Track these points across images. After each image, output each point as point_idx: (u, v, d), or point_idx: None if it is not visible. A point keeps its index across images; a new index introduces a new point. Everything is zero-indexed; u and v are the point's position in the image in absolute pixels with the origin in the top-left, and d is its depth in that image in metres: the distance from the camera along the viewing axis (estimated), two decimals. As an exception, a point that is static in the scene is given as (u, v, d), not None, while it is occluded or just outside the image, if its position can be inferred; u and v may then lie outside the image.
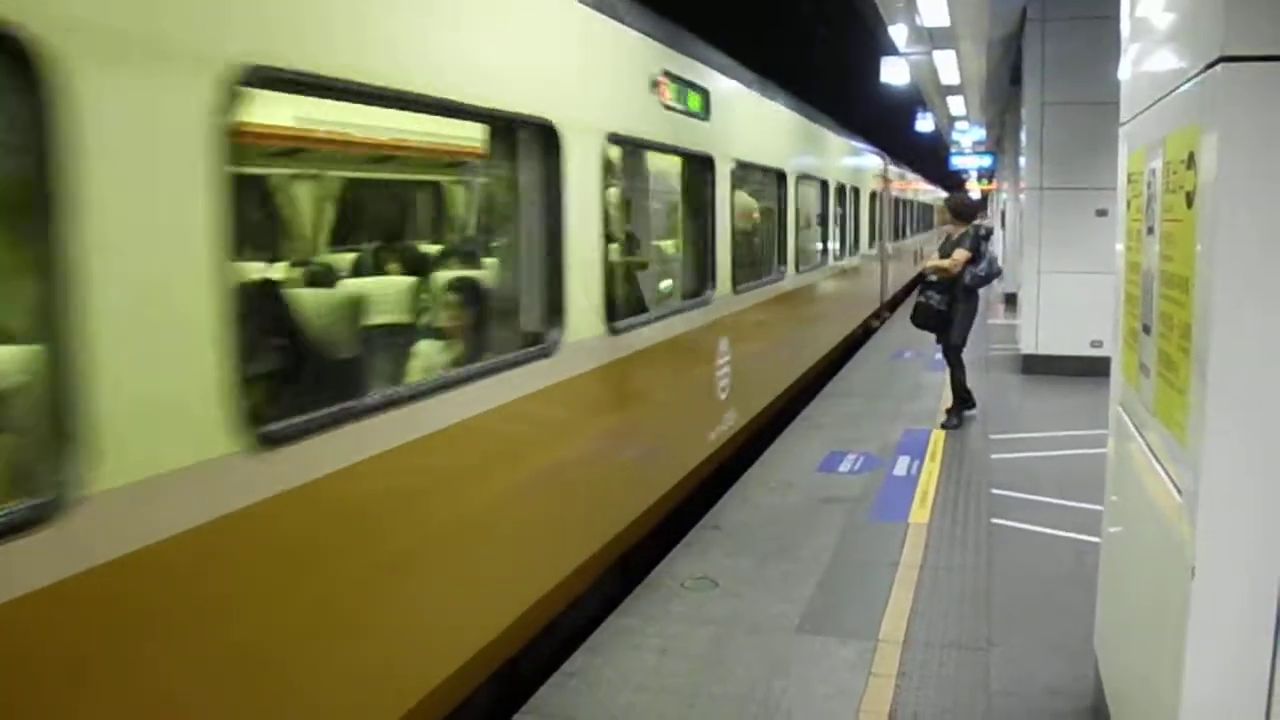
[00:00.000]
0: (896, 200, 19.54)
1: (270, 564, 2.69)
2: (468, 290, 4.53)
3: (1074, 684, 3.87)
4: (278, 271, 5.83)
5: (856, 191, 13.39)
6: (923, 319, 8.49)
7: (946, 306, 8.26)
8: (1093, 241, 9.68)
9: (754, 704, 3.83)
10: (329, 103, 4.45)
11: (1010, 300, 16.83)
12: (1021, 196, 13.15)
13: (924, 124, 28.95)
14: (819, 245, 11.06)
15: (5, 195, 2.19)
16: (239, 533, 2.53)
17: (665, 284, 6.83)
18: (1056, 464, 7.18)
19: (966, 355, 8.63)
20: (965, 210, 8.83)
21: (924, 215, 27.04)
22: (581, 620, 4.74)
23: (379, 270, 6.44)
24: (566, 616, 4.53)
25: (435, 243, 7.75)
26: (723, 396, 6.81)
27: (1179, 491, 2.36)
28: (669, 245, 7.18)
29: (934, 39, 13.21)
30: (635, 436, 5.30)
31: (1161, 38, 2.84)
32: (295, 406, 2.87)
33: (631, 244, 6.44)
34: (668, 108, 5.65)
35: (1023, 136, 11.87)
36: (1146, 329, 2.80)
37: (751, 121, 7.85)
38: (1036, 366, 10.90)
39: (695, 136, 6.24)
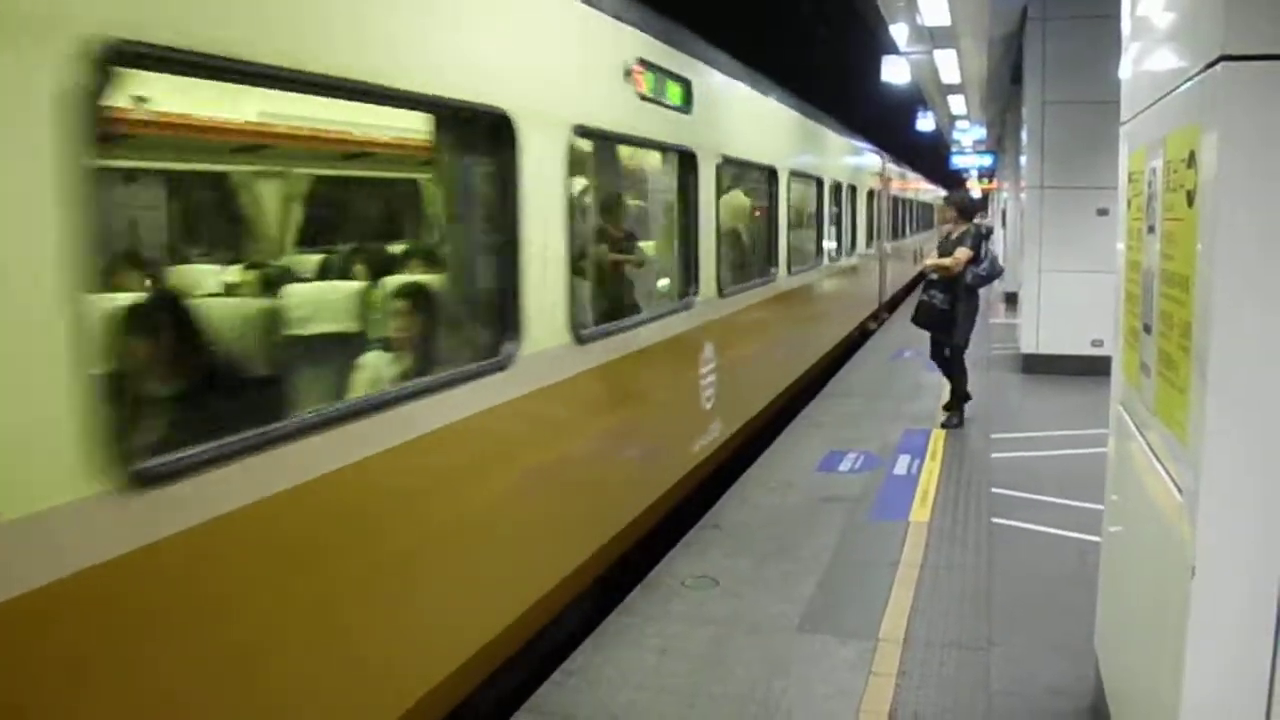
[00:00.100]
0: (895, 199, 19.37)
1: (142, 627, 2.26)
2: (412, 299, 4.09)
3: (1074, 683, 3.87)
4: (180, 279, 5.28)
5: (853, 190, 13.12)
6: (925, 319, 8.45)
7: (949, 306, 8.21)
8: (1093, 240, 9.69)
9: (754, 703, 3.83)
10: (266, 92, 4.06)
11: (1011, 299, 16.83)
12: (1022, 195, 13.14)
13: (925, 123, 28.93)
14: (813, 245, 10.73)
15: None
16: (100, 589, 2.14)
17: (642, 288, 6.42)
18: (1057, 463, 7.18)
19: (967, 355, 8.61)
20: (970, 207, 8.82)
21: (924, 215, 26.96)
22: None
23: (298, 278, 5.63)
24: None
25: (374, 246, 6.94)
26: (707, 406, 6.49)
27: (1179, 491, 2.36)
28: (648, 247, 6.72)
29: (935, 38, 13.21)
30: (606, 454, 4.97)
31: (1162, 37, 2.84)
32: (184, 438, 2.48)
33: (603, 246, 6.00)
34: (644, 99, 5.28)
35: (1023, 135, 11.86)
36: (1147, 328, 2.80)
37: (739, 116, 7.52)
38: (1037, 366, 10.90)
39: (675, 130, 5.89)
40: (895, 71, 18.07)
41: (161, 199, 6.39)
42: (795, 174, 9.24)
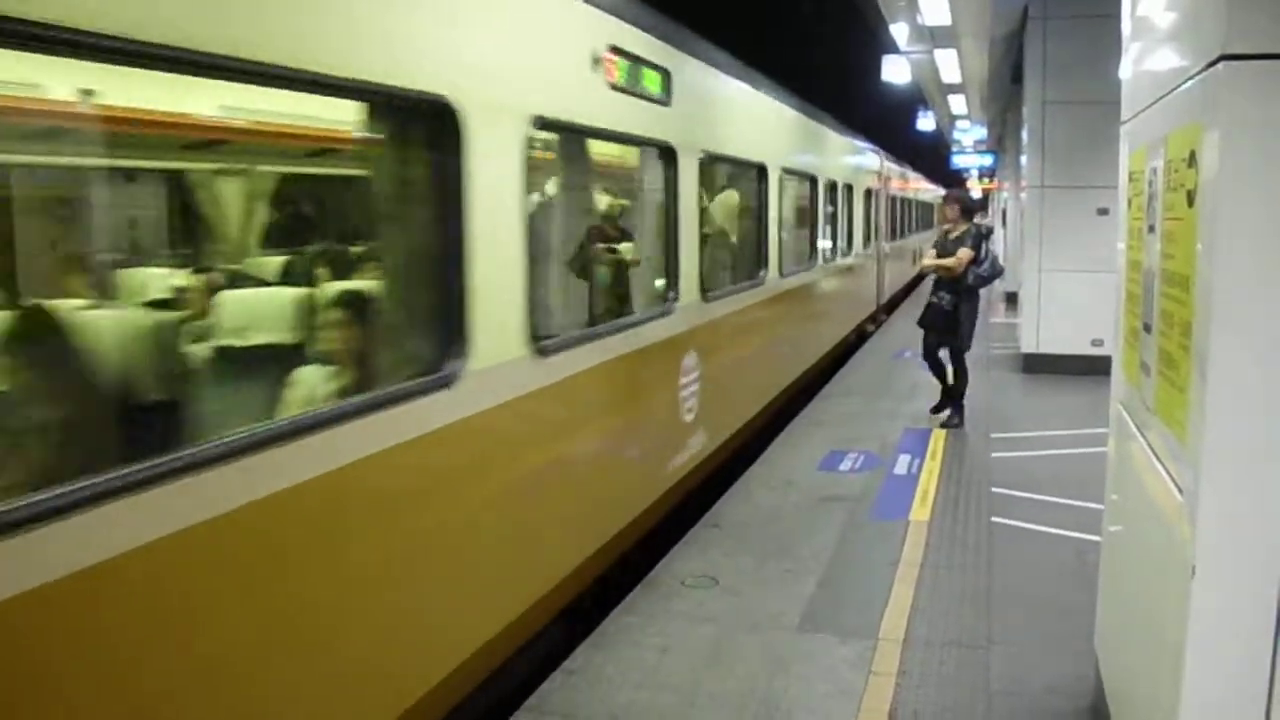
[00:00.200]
0: (894, 199, 19.20)
1: None
2: (345, 308, 3.75)
3: (1074, 683, 3.87)
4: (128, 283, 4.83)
5: (850, 189, 12.83)
6: (933, 320, 8.34)
7: (954, 307, 8.17)
8: (1094, 240, 9.69)
9: (754, 702, 3.83)
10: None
11: (1011, 299, 16.84)
12: (1023, 195, 13.15)
13: (925, 123, 28.95)
14: (807, 246, 10.40)
15: None
16: None
17: (616, 293, 6.02)
18: (1057, 463, 7.18)
19: (967, 355, 8.59)
20: (971, 206, 8.79)
21: (923, 215, 26.92)
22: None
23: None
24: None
25: (295, 248, 6.35)
26: (688, 418, 6.07)
27: (1179, 490, 2.36)
28: (624, 249, 6.21)
29: (935, 37, 13.21)
30: (568, 478, 4.52)
31: (1163, 36, 2.84)
32: (35, 478, 2.15)
33: (570, 249, 5.58)
34: (616, 89, 4.87)
35: (1024, 135, 11.87)
36: (1147, 327, 2.80)
37: (724, 109, 7.12)
38: (1037, 365, 10.90)
39: (652, 123, 5.48)
40: (896, 71, 18.07)
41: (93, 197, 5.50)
42: (787, 172, 8.95)
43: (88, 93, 4.24)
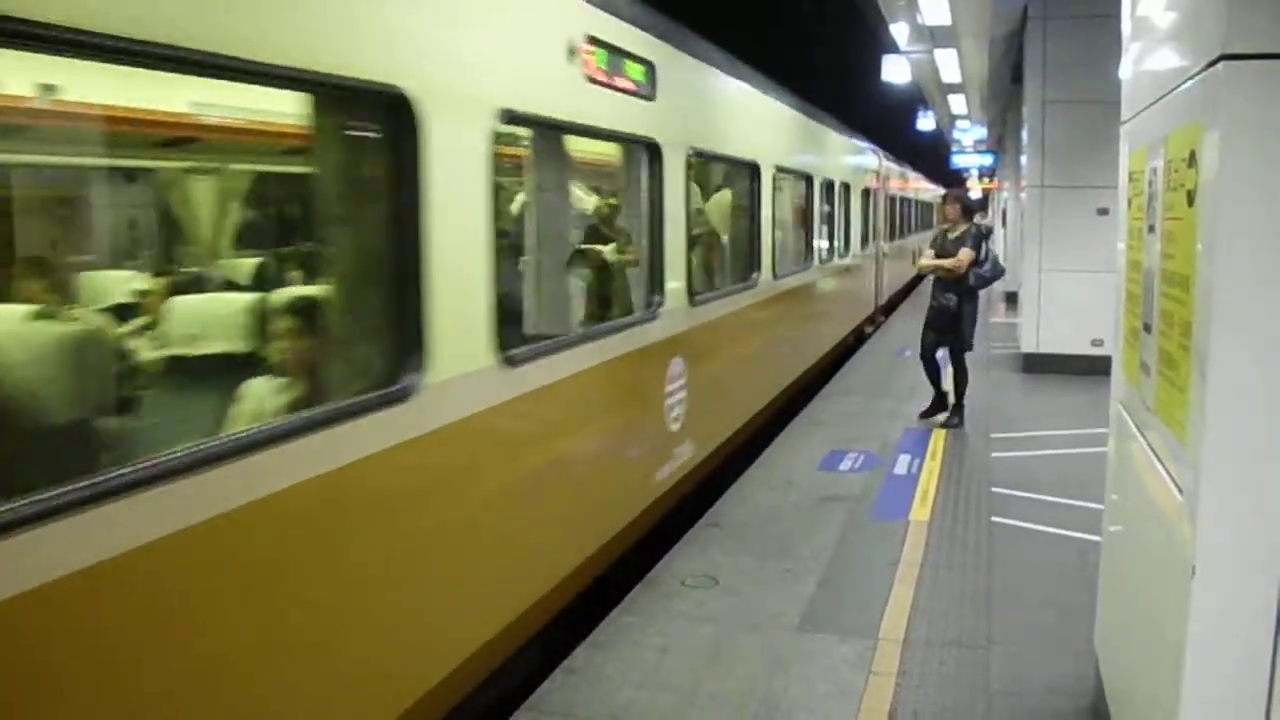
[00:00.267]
0: (893, 198, 19.03)
1: None
2: (293, 316, 3.51)
3: (1074, 683, 3.87)
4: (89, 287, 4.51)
5: (847, 188, 12.60)
6: (936, 321, 8.27)
7: (958, 308, 8.14)
8: (1094, 240, 9.70)
9: (754, 702, 3.83)
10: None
11: (1011, 299, 16.84)
12: (1023, 195, 13.15)
13: (925, 122, 28.98)
14: (802, 247, 10.17)
15: None
16: None
17: (596, 298, 5.74)
18: (1057, 463, 7.18)
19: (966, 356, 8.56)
20: (972, 205, 8.77)
21: (923, 215, 26.89)
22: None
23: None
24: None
25: (237, 251, 5.97)
26: (675, 427, 5.82)
27: (1179, 490, 2.36)
28: (606, 250, 5.94)
29: (935, 37, 13.22)
30: (540, 496, 4.23)
31: (1163, 36, 2.84)
32: None
33: (545, 251, 5.24)
34: (594, 82, 4.63)
35: (1024, 135, 11.87)
36: (1147, 327, 2.80)
37: (714, 105, 6.85)
38: (1037, 365, 10.91)
39: (635, 119, 5.21)
40: (896, 71, 18.07)
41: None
42: (782, 170, 8.69)
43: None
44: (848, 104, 19.45)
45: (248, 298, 3.98)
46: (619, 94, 4.95)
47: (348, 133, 3.22)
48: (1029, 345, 11.16)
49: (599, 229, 5.96)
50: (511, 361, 3.85)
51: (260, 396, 3.28)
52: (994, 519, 5.98)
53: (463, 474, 3.60)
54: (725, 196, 8.14)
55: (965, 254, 8.04)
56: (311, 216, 3.80)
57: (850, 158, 13.46)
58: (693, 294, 6.13)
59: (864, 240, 14.43)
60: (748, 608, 4.72)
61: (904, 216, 21.73)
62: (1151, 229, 2.78)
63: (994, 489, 6.59)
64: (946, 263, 8.11)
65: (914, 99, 25.79)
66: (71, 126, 4.73)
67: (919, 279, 19.05)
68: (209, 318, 3.82)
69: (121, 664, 2.24)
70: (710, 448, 6.53)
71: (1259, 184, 2.09)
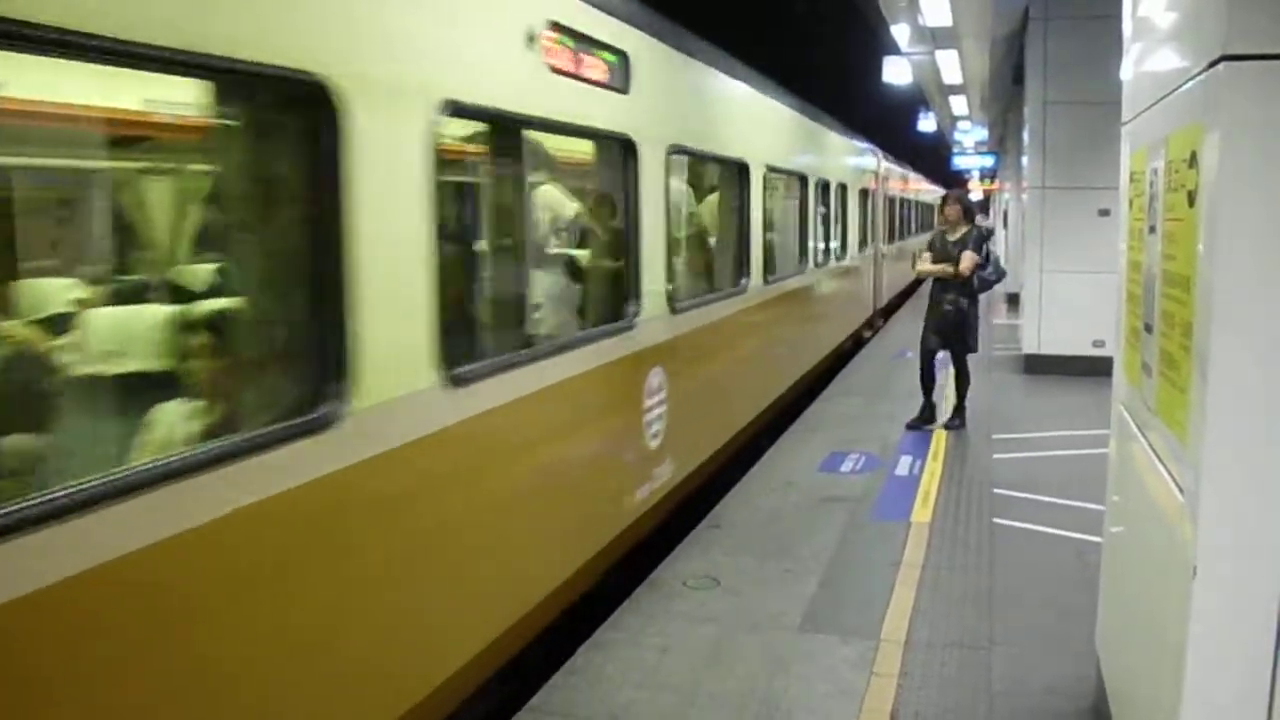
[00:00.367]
0: (892, 199, 18.71)
1: None
2: (203, 332, 3.15)
3: (1075, 684, 3.87)
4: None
5: (844, 189, 12.21)
6: (946, 325, 8.12)
7: (967, 310, 8.07)
8: (1095, 241, 9.68)
9: (755, 702, 3.83)
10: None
11: (1012, 300, 16.84)
12: (1024, 196, 13.15)
13: (926, 124, 29.00)
14: (795, 250, 9.74)
15: None
16: None
17: (563, 307, 5.20)
18: (1058, 464, 7.18)
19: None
20: (973, 207, 8.70)
21: (923, 216, 26.81)
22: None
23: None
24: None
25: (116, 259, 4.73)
26: (654, 444, 5.45)
27: (1180, 491, 2.36)
28: (575, 256, 5.41)
29: (936, 38, 13.22)
30: (492, 528, 3.82)
31: (1164, 37, 2.84)
32: None
33: (504, 257, 4.65)
34: (557, 72, 4.26)
35: (1025, 136, 11.87)
36: (1148, 328, 2.80)
37: (698, 100, 6.47)
38: (1039, 366, 10.90)
39: (606, 113, 4.83)
40: (897, 72, 18.09)
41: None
42: (773, 170, 8.29)
43: None
44: (849, 105, 19.46)
45: (167, 310, 3.41)
46: (587, 86, 4.58)
47: (256, 126, 2.85)
48: (1030, 346, 11.16)
49: (566, 232, 5.44)
50: (459, 381, 3.48)
51: (171, 424, 2.86)
52: (995, 520, 5.98)
53: (395, 510, 3.17)
54: (711, 198, 7.77)
55: (969, 258, 7.93)
56: (216, 221, 3.31)
57: (847, 157, 13.17)
58: (674, 301, 5.78)
59: (862, 242, 14.16)
60: (748, 608, 4.72)
61: (904, 218, 21.47)
62: (1152, 230, 2.78)
63: (995, 490, 6.58)
64: (949, 268, 7.97)
65: (915, 100, 25.82)
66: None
67: (919, 281, 19.01)
68: (127, 332, 3.30)
69: None
70: (694, 464, 6.17)
71: (1260, 184, 2.09)
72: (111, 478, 2.22)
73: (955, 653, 4.24)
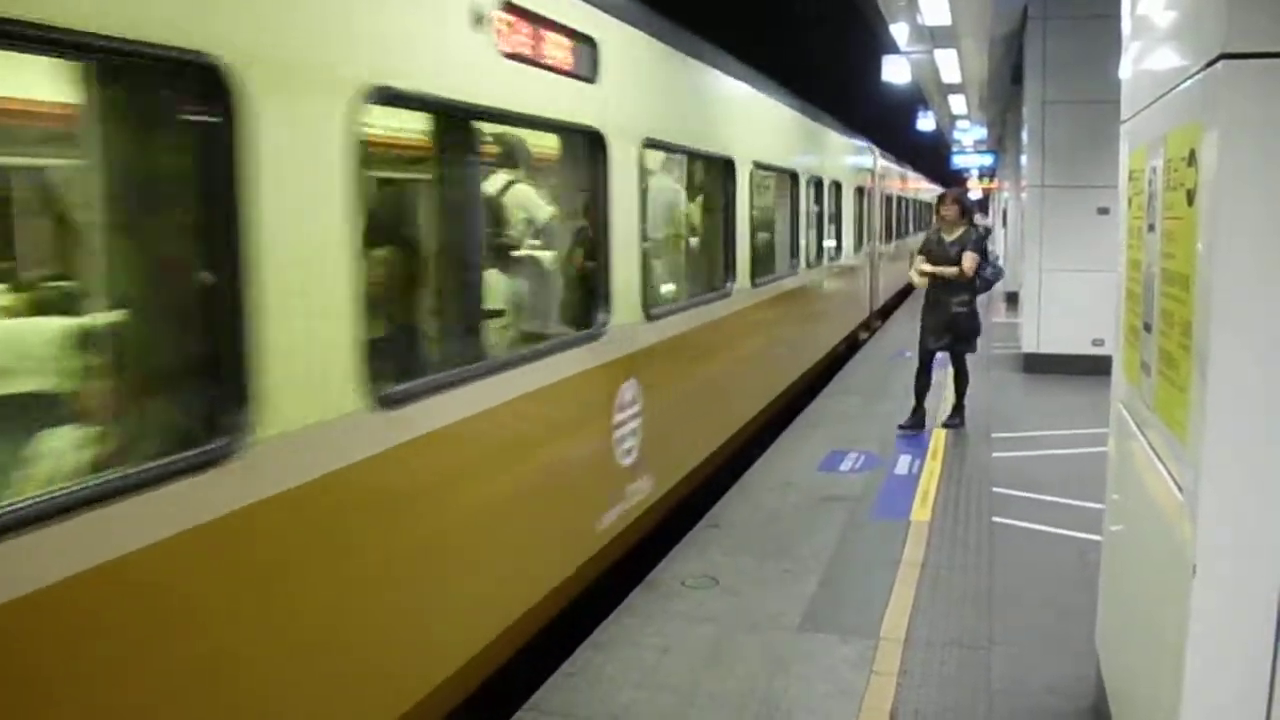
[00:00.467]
0: (889, 198, 18.34)
1: None
2: (94, 351, 2.64)
3: (1075, 683, 3.87)
4: None
5: (838, 187, 11.84)
6: (956, 328, 8.03)
7: (975, 312, 8.02)
8: (1094, 239, 9.70)
9: (755, 702, 3.83)
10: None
11: (1011, 299, 16.84)
12: (1023, 195, 13.16)
13: (925, 123, 29.01)
14: (786, 251, 9.37)
15: None
16: None
17: (520, 317, 4.70)
18: (1058, 462, 7.18)
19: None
20: (971, 206, 8.68)
21: (922, 215, 26.75)
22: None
23: None
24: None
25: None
26: (627, 461, 5.08)
27: (1180, 490, 2.36)
28: (534, 260, 4.98)
29: (935, 37, 13.23)
30: (427, 567, 3.40)
31: (1162, 35, 2.84)
32: None
33: (452, 262, 4.07)
34: (512, 58, 3.88)
35: (1024, 135, 11.88)
36: (1148, 327, 2.80)
37: (677, 92, 6.08)
38: (1038, 365, 10.91)
39: (571, 104, 4.48)
40: (896, 71, 18.08)
41: None
42: (761, 167, 7.91)
43: None
44: (848, 104, 19.46)
45: (63, 324, 2.83)
46: (548, 74, 4.21)
47: (135, 114, 2.49)
48: (1030, 345, 11.16)
49: (540, 234, 5.02)
50: (390, 402, 3.12)
51: (60, 453, 2.47)
52: (995, 519, 5.98)
53: (306, 557, 2.80)
54: (691, 196, 7.29)
55: (971, 259, 7.83)
56: (89, 224, 2.69)
57: (841, 154, 12.74)
58: (649, 307, 5.41)
59: (857, 242, 13.77)
60: (748, 608, 4.71)
61: (901, 217, 21.17)
62: (1151, 228, 2.78)
63: (995, 489, 6.58)
64: (949, 270, 7.88)
65: (914, 99, 25.82)
66: None
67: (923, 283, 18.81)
68: (20, 348, 2.86)
69: None
70: (675, 480, 5.83)
71: (1259, 183, 2.09)
72: None
73: (955, 652, 4.24)
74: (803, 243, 9.78)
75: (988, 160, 30.65)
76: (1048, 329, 10.91)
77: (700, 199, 7.39)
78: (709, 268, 7.21)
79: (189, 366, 2.61)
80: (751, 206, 7.62)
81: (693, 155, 6.79)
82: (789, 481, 6.83)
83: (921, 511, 6.14)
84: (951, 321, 8.01)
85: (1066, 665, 4.03)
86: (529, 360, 4.17)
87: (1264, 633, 2.18)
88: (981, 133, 27.33)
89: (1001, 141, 23.81)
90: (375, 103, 3.06)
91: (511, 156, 4.82)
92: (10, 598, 1.96)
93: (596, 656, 4.22)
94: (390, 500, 3.18)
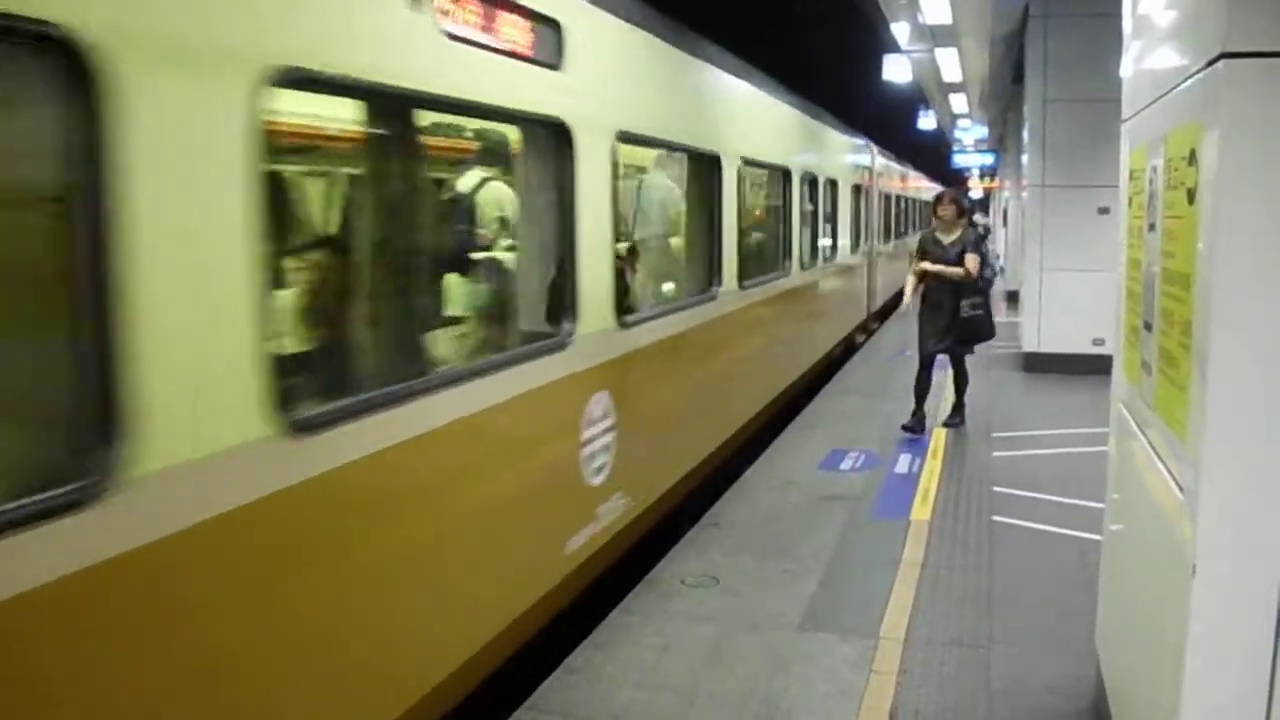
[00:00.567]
0: (888, 196, 18.01)
1: None
2: None
3: (1075, 683, 3.87)
4: None
5: (834, 184, 11.43)
6: (966, 331, 7.96)
7: (985, 311, 7.96)
8: (1095, 239, 9.71)
9: (754, 701, 3.83)
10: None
11: (1012, 298, 16.83)
12: (1024, 194, 13.15)
13: (926, 122, 28.99)
14: (777, 252, 9.02)
15: None
16: None
17: (461, 328, 4.38)
18: (1058, 462, 7.18)
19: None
20: (970, 206, 8.66)
21: (922, 214, 26.69)
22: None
23: None
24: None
25: None
26: (597, 480, 4.71)
27: (1180, 489, 2.36)
28: (490, 262, 4.68)
29: (936, 36, 13.21)
30: (345, 620, 2.97)
31: (1163, 35, 2.84)
32: None
33: (390, 267, 3.65)
34: (457, 39, 3.49)
35: (1025, 134, 11.87)
36: (1148, 326, 2.80)
37: (654, 82, 5.64)
38: (1038, 364, 10.91)
39: (530, 92, 4.05)
40: (896, 70, 18.06)
41: None
42: (749, 163, 7.49)
43: None
44: (849, 103, 19.43)
45: None
46: (502, 59, 3.80)
47: None
48: (1030, 344, 11.17)
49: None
50: (304, 427, 2.75)
51: None
52: (995, 518, 5.98)
53: (197, 607, 2.43)
54: (671, 194, 6.79)
55: (973, 260, 7.76)
56: None
57: (837, 151, 12.30)
58: (622, 314, 5.03)
59: (854, 242, 13.35)
60: (748, 607, 4.71)
61: (901, 216, 20.85)
62: (1152, 227, 2.78)
63: (995, 488, 6.58)
64: (951, 271, 7.79)
65: (915, 98, 25.80)
66: None
67: (918, 281, 18.71)
68: None
69: None
70: (653, 496, 5.48)
71: (1259, 182, 2.09)
72: None
73: (955, 651, 4.23)
74: (795, 243, 9.41)
75: (988, 159, 30.63)
76: (1048, 328, 10.92)
77: (680, 198, 6.88)
78: (692, 270, 6.81)
79: (46, 393, 2.21)
80: (739, 205, 7.24)
81: (674, 150, 6.40)
82: (789, 480, 6.83)
83: (921, 511, 6.14)
84: (966, 325, 7.88)
85: (1066, 665, 4.02)
86: (482, 374, 3.77)
87: (1264, 633, 2.17)
88: (982, 132, 27.31)
89: (1002, 140, 23.80)
90: (282, 86, 2.68)
91: (469, 150, 4.47)
92: None
93: (596, 656, 4.22)
94: (305, 540, 2.79)
